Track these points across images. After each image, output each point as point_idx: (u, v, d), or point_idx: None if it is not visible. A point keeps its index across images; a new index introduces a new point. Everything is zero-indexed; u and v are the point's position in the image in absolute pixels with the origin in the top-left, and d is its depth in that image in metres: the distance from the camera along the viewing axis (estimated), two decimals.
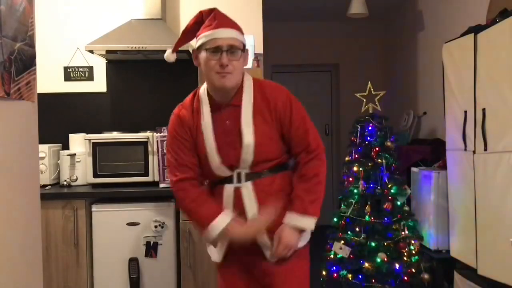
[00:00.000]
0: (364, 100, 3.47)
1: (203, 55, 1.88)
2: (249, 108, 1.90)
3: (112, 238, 3.00)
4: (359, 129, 3.41)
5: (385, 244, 3.20)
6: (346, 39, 6.03)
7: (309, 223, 1.87)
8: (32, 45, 1.71)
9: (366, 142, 3.38)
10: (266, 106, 1.92)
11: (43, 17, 3.45)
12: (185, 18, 3.64)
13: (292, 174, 1.98)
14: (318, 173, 1.90)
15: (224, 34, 1.85)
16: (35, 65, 1.74)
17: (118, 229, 3.00)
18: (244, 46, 1.92)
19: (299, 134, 1.94)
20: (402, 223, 3.25)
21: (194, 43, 1.98)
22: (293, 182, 1.95)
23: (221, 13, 1.95)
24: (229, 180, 1.92)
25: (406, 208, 3.32)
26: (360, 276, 3.21)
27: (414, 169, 3.50)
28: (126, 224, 3.00)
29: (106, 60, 3.57)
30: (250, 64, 3.43)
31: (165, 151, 3.13)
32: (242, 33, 1.93)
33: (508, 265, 2.34)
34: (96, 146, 3.11)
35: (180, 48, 3.14)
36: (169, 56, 2.17)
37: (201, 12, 1.97)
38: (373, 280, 3.18)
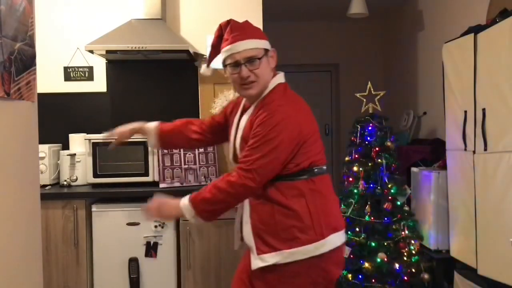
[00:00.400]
0: (364, 100, 3.47)
1: (227, 69, 1.99)
2: (250, 112, 1.99)
3: (112, 238, 3.00)
4: (359, 129, 3.41)
5: (385, 244, 3.20)
6: (346, 39, 6.03)
7: (186, 209, 1.88)
8: (32, 45, 1.71)
9: (366, 142, 3.38)
10: (255, 114, 1.93)
11: (43, 17, 3.45)
12: (185, 18, 3.64)
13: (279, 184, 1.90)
14: (227, 188, 1.83)
15: (240, 47, 1.91)
16: (35, 65, 1.74)
17: (118, 229, 3.00)
18: (265, 50, 1.96)
19: (250, 145, 1.86)
20: (402, 223, 3.25)
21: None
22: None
23: (236, 24, 1.98)
24: None
25: (406, 208, 3.32)
26: (360, 276, 3.21)
27: (414, 169, 3.50)
28: (126, 224, 3.00)
29: (106, 60, 3.57)
30: None
31: (165, 151, 3.14)
32: (260, 37, 1.97)
33: (508, 265, 2.34)
34: (96, 146, 3.11)
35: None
36: (205, 71, 2.26)
37: (220, 25, 2.02)
38: (373, 280, 3.18)
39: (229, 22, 1.98)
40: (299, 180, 1.90)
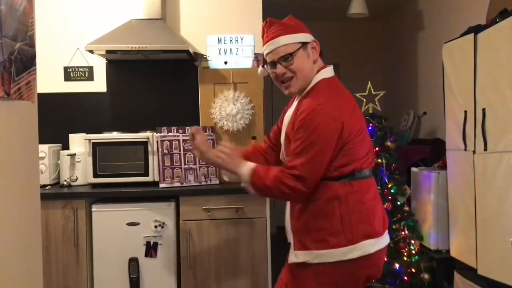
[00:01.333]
0: (364, 100, 3.47)
1: (269, 69, 2.00)
2: (292, 109, 1.99)
3: (112, 238, 3.00)
4: None
5: None
6: (346, 39, 6.03)
7: (243, 171, 1.93)
8: (32, 45, 1.71)
9: None
10: (296, 112, 1.91)
11: (43, 17, 3.45)
12: (185, 18, 3.64)
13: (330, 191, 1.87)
14: (284, 189, 1.83)
15: (272, 46, 1.93)
16: (35, 65, 1.74)
17: (118, 229, 3.00)
18: (301, 43, 1.93)
19: (293, 149, 1.85)
20: (402, 223, 3.25)
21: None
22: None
23: (272, 22, 1.98)
24: None
25: (406, 208, 3.32)
26: None
27: (414, 169, 3.50)
28: (126, 224, 3.00)
29: (106, 60, 3.57)
30: (249, 64, 3.45)
31: (165, 150, 3.14)
32: (294, 31, 1.94)
33: (508, 265, 2.34)
34: (96, 146, 3.11)
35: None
36: (262, 72, 2.30)
37: (263, 25, 2.03)
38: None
39: (267, 21, 1.99)
40: (337, 182, 1.86)
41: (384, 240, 1.93)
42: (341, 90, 1.96)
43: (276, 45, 1.91)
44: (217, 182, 3.18)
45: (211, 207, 2.98)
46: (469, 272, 2.72)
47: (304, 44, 1.94)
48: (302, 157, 1.80)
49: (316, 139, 1.79)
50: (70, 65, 3.58)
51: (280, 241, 3.81)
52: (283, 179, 1.83)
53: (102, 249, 3.00)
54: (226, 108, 3.31)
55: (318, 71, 1.97)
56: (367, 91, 3.47)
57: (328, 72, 1.99)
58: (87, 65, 3.59)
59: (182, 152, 3.16)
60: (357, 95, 3.49)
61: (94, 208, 3.02)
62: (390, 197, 3.26)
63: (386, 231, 1.98)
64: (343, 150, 1.84)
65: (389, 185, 3.28)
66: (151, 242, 3.00)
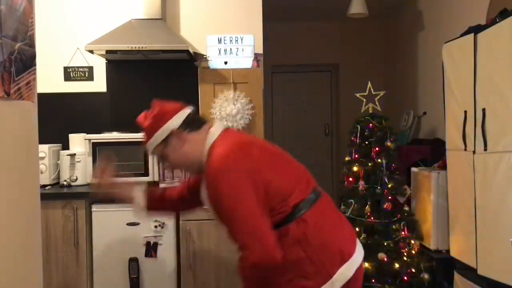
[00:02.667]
0: (364, 100, 3.47)
1: None
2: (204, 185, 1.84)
3: (112, 238, 3.00)
4: (359, 129, 3.41)
5: (385, 244, 3.20)
6: (346, 39, 6.02)
7: None
8: (32, 45, 1.71)
9: (366, 142, 3.38)
10: (206, 187, 1.78)
11: (43, 17, 3.45)
12: (185, 18, 3.64)
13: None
14: (254, 273, 1.67)
15: (149, 152, 1.91)
16: (35, 65, 1.74)
17: (118, 229, 3.00)
18: (163, 141, 1.83)
19: (227, 226, 1.70)
20: (402, 223, 3.25)
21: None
22: None
23: (141, 126, 1.93)
24: None
25: (406, 208, 3.32)
26: None
27: (414, 169, 3.50)
28: (126, 224, 3.00)
29: (106, 60, 3.57)
30: (249, 64, 3.45)
31: None
32: (151, 134, 1.86)
33: (508, 265, 2.34)
34: (96, 146, 3.11)
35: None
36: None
37: None
38: (373, 280, 3.18)
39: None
40: (290, 223, 1.70)
41: (357, 256, 1.79)
42: (233, 136, 1.82)
43: (150, 151, 1.89)
44: None
45: None
46: (469, 272, 2.72)
47: (165, 141, 1.83)
48: (238, 232, 1.64)
49: (234, 207, 1.63)
50: (70, 65, 3.58)
51: None
52: (248, 263, 1.65)
53: (102, 249, 3.00)
54: (226, 108, 3.31)
55: (204, 140, 1.81)
56: (367, 91, 3.47)
57: (213, 134, 1.81)
58: (87, 65, 3.59)
59: None
60: (357, 95, 3.49)
61: (94, 208, 3.02)
62: (390, 197, 3.26)
63: (357, 243, 1.85)
64: (269, 193, 1.68)
65: (389, 185, 3.27)
66: (151, 242, 3.00)
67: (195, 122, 1.85)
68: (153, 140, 1.85)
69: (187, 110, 1.87)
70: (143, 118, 1.92)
